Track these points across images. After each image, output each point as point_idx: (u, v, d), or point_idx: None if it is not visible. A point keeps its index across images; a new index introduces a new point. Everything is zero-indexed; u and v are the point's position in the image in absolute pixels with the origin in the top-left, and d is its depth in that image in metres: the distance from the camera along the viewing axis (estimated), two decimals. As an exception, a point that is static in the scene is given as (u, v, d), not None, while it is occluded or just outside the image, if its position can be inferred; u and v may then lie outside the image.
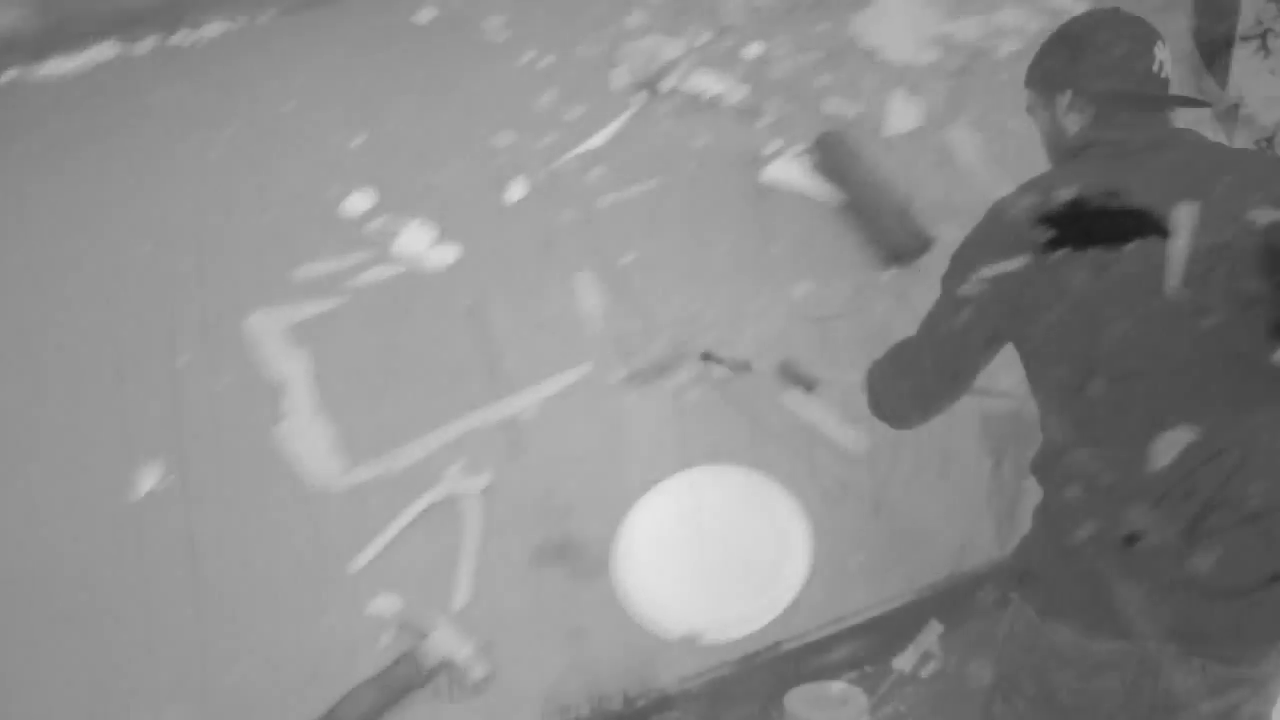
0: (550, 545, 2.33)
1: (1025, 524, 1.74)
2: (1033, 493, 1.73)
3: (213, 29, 2.17)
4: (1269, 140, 2.72)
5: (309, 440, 2.26)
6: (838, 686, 2.45)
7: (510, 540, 2.34)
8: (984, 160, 2.89)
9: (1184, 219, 1.57)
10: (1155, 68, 1.69)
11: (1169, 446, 1.54)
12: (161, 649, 2.16)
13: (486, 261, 2.46)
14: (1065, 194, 1.62)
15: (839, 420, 2.55)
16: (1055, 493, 1.65)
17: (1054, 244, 1.63)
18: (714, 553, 2.47)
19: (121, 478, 2.21)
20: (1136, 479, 1.53)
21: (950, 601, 2.64)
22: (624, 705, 2.38)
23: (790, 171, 2.68)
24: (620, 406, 2.44)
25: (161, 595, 2.17)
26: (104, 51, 2.26)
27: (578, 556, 2.33)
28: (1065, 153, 1.74)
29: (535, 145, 2.53)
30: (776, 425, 2.45)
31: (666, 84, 2.63)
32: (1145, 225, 1.59)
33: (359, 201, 2.39)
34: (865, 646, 2.57)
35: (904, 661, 2.62)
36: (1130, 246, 1.58)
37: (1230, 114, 2.84)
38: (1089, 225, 1.65)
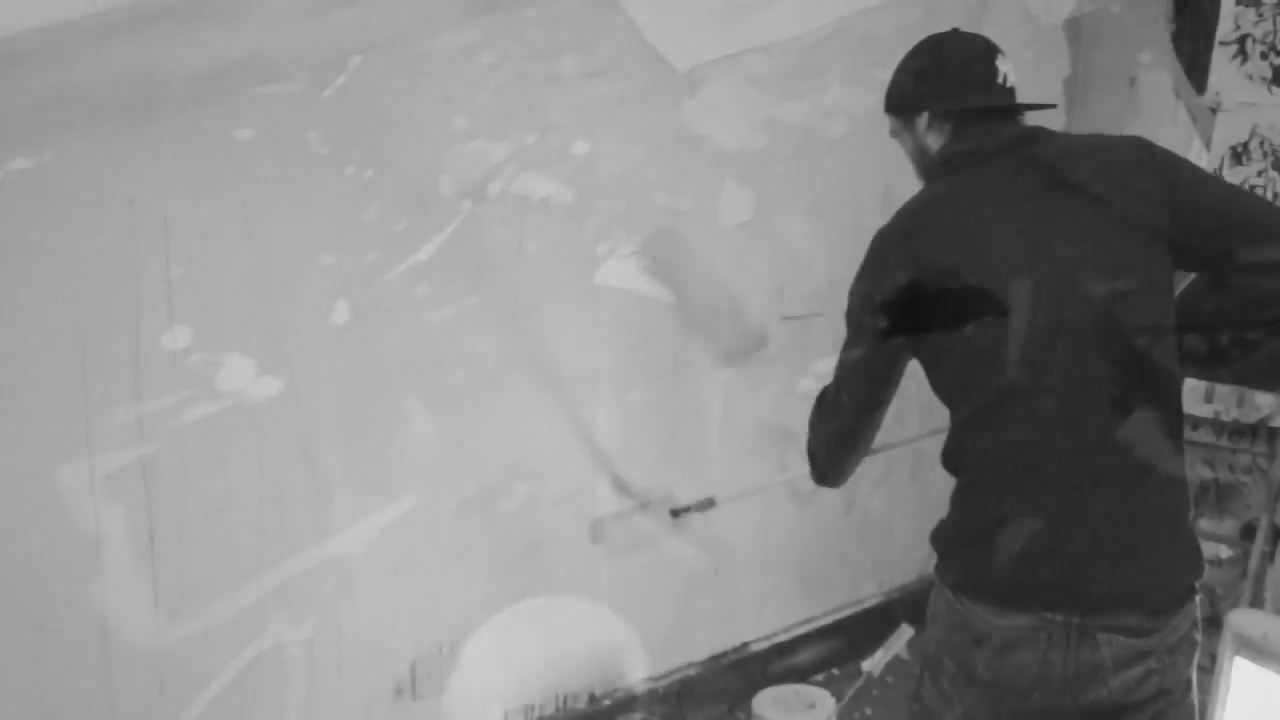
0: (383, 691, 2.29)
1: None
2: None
3: (17, 164, 2.06)
4: (1244, 145, 2.82)
5: (126, 597, 2.18)
6: (806, 689, 2.42)
7: (343, 687, 2.27)
8: (817, 244, 2.93)
9: (1020, 297, 1.62)
10: (1000, 79, 1.80)
11: (1014, 536, 1.63)
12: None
13: (314, 391, 2.39)
14: (900, 278, 1.70)
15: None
16: (961, 478, 1.75)
17: (889, 333, 1.72)
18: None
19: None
20: (1031, 465, 1.64)
21: (920, 604, 2.67)
22: (590, 704, 2.32)
23: (623, 272, 2.68)
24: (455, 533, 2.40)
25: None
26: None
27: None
28: (932, 169, 1.83)
29: (359, 262, 2.47)
30: (749, 424, 2.36)
31: (493, 189, 2.60)
32: (983, 307, 1.64)
33: (178, 336, 2.30)
34: (833, 648, 2.55)
35: (873, 664, 2.62)
36: (969, 329, 1.63)
37: (1207, 117, 2.97)
38: (924, 310, 1.69)
